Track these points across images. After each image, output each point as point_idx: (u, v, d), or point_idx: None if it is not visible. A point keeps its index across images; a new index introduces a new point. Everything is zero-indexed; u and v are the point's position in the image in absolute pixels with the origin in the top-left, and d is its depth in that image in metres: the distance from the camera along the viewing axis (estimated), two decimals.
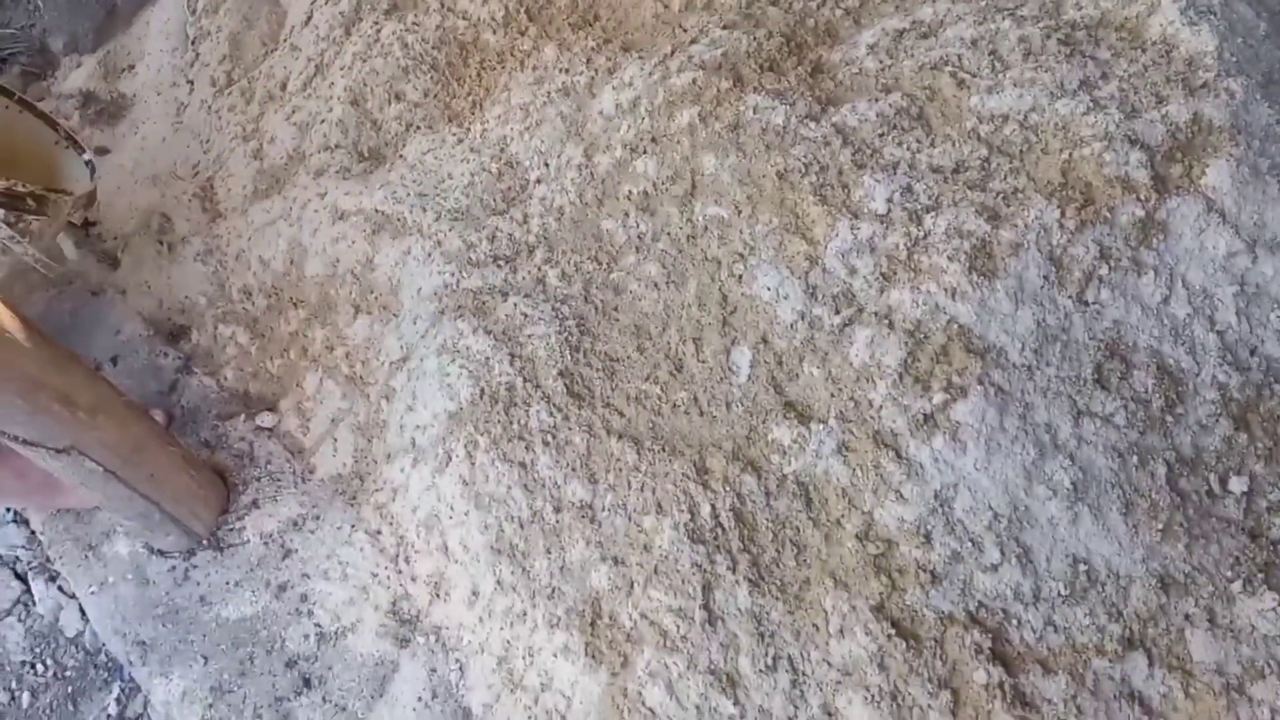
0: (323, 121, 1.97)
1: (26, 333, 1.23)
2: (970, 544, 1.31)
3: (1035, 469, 1.34)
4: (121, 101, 2.40)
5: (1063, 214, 1.42)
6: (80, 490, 1.44)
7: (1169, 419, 1.39)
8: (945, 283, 1.38)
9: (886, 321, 1.39)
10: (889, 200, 1.46)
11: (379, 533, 1.58)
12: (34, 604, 1.76)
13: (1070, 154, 1.48)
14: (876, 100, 1.58)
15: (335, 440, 1.68)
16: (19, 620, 1.76)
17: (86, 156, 1.87)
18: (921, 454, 1.33)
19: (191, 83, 2.21)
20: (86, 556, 1.63)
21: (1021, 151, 1.51)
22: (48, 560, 1.78)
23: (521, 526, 1.42)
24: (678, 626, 1.30)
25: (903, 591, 1.30)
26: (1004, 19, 1.65)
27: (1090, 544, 1.34)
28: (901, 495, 1.32)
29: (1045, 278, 1.40)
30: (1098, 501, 1.35)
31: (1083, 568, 1.34)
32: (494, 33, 1.97)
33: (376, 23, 2.05)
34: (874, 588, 1.30)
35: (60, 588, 1.75)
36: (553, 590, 1.39)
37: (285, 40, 2.16)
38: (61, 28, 2.51)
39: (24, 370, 1.22)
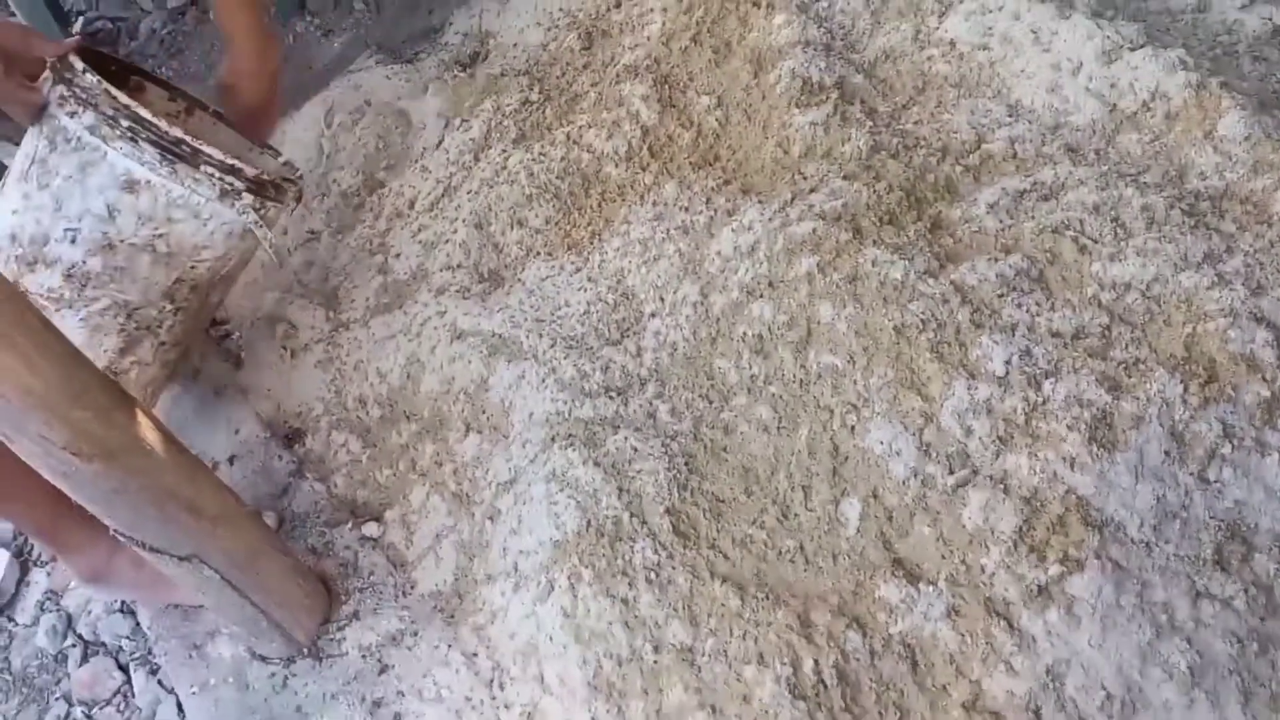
0: (447, 241, 2.05)
1: (165, 443, 1.29)
2: None
3: (1151, 650, 1.31)
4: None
5: (1186, 389, 1.41)
6: (193, 590, 1.48)
7: None
8: (1064, 452, 1.37)
9: (1002, 486, 1.38)
10: (1007, 362, 1.46)
11: (475, 655, 1.58)
12: (133, 696, 1.80)
13: (1194, 328, 1.48)
14: (996, 260, 1.60)
15: (438, 556, 1.71)
16: (118, 710, 1.79)
17: (283, 159, 2.01)
18: (1034, 626, 1.31)
19: (324, 194, 2.32)
20: (190, 655, 1.67)
21: (1144, 322, 1.51)
22: (150, 654, 1.82)
23: (620, 665, 1.42)
24: None
25: None
26: (1126, 186, 1.67)
27: None
28: (1012, 667, 1.29)
29: (1167, 453, 1.38)
30: (1215, 688, 1.31)
31: None
32: (616, 166, 2.04)
33: (505, 150, 2.13)
34: None
35: (160, 682, 1.78)
36: None
37: (416, 161, 2.26)
38: None
39: (159, 481, 1.27)
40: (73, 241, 1.61)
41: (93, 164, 1.59)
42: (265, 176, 1.69)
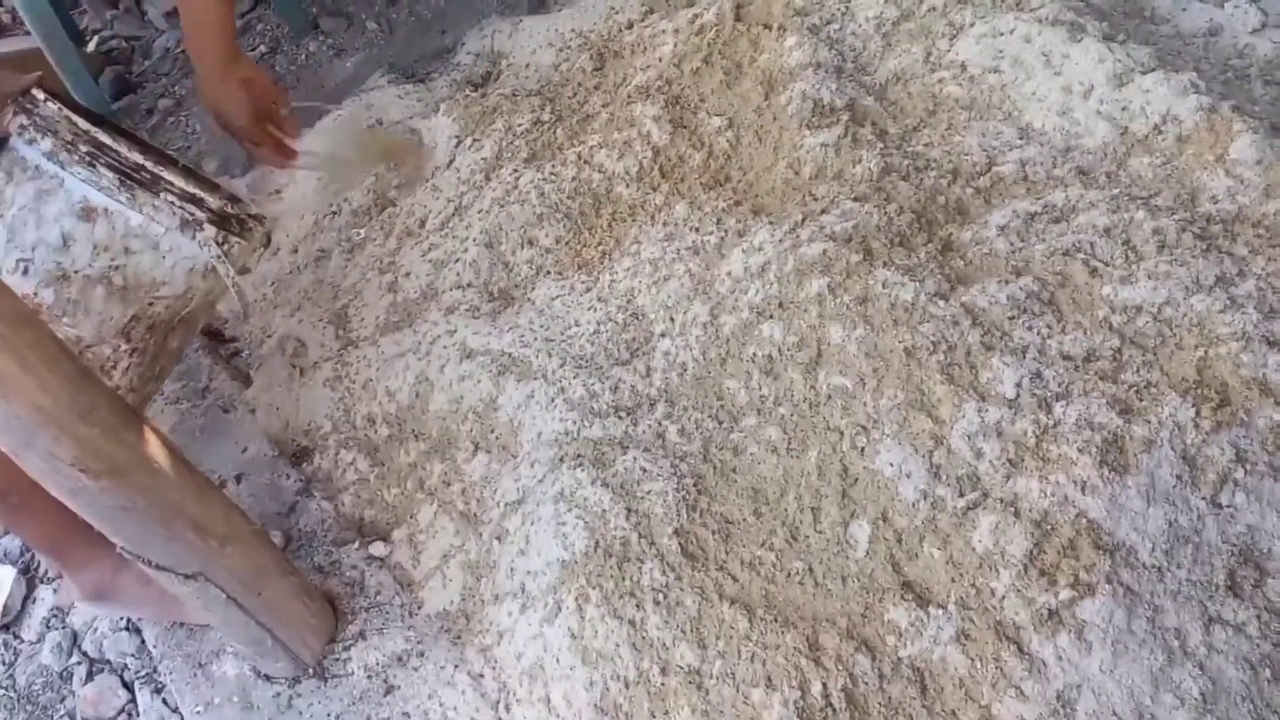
0: (457, 260, 2.05)
1: (172, 461, 1.29)
2: None
3: (1163, 675, 1.29)
4: (268, 224, 2.53)
5: (1198, 412, 1.41)
6: (198, 608, 1.47)
7: None
8: (1075, 475, 1.36)
9: (1012, 509, 1.37)
10: (1018, 385, 1.46)
11: (481, 676, 1.58)
12: (138, 714, 1.79)
13: (1206, 351, 1.47)
14: (1007, 282, 1.60)
15: (445, 576, 1.70)
16: None
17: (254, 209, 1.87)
18: (1045, 651, 1.29)
19: (335, 212, 2.32)
20: (195, 674, 1.66)
21: (1155, 345, 1.50)
22: (155, 672, 1.81)
23: (627, 686, 1.41)
24: None
25: None
26: (1138, 209, 1.67)
27: None
28: (1022, 692, 1.28)
29: (1178, 477, 1.37)
30: (1227, 714, 1.30)
31: None
32: (627, 186, 2.04)
33: (516, 170, 2.14)
34: None
35: (164, 700, 1.77)
36: None
37: (427, 180, 2.27)
38: (215, 151, 2.67)
39: (166, 499, 1.27)
40: (25, 273, 1.53)
41: (49, 192, 1.52)
42: (230, 210, 1.61)
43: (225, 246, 1.60)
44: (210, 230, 1.57)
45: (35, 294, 1.52)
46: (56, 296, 1.54)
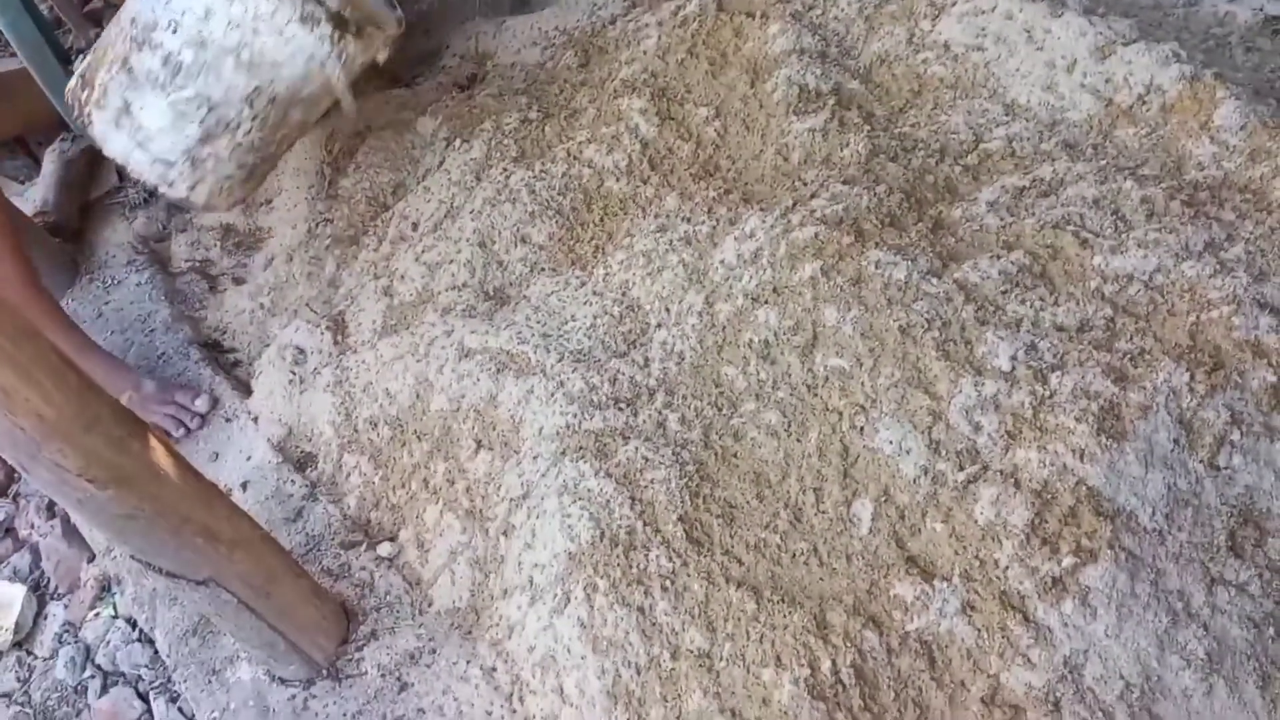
0: (451, 261, 2.06)
1: (178, 469, 1.30)
2: (1101, 714, 1.28)
3: (1168, 638, 1.31)
4: (259, 234, 2.54)
5: (1192, 377, 1.42)
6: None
7: None
8: (1073, 444, 1.37)
9: (1012, 481, 1.39)
10: (1013, 358, 1.47)
11: (494, 670, 1.59)
12: None
13: (1198, 316, 1.48)
14: (998, 257, 1.61)
15: (453, 573, 1.71)
16: None
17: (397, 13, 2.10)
18: (1050, 618, 1.31)
19: (329, 220, 2.33)
20: (210, 681, 1.67)
21: (1148, 313, 1.51)
22: (169, 681, 1.82)
23: (638, 672, 1.42)
24: None
25: None
26: (1125, 179, 1.68)
27: (1225, 717, 1.30)
28: (1029, 660, 1.29)
29: (1175, 441, 1.38)
30: (1233, 673, 1.31)
31: None
32: (617, 181, 2.05)
33: (506, 169, 2.15)
34: None
35: (180, 709, 1.78)
36: None
37: (419, 183, 2.28)
38: None
39: (174, 507, 1.28)
40: (173, 31, 1.80)
41: None
42: (348, 14, 1.82)
43: (339, 45, 1.83)
44: (326, 28, 1.80)
45: (179, 51, 1.81)
46: (195, 58, 1.81)
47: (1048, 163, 1.77)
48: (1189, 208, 1.62)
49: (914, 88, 2.05)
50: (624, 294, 1.88)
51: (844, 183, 1.80)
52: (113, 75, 1.88)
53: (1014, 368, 1.46)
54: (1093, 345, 1.48)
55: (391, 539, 1.82)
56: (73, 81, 1.99)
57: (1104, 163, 1.75)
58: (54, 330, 2.03)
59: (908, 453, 1.46)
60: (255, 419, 2.07)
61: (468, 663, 1.60)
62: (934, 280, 1.58)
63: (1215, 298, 1.49)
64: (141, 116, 1.88)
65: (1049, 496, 1.36)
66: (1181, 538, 1.35)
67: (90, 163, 2.69)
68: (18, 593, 2.07)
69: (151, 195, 2.66)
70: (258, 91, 1.87)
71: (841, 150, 1.90)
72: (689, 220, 1.91)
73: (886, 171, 1.81)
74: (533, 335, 1.85)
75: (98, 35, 3.11)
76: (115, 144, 1.94)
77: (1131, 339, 1.48)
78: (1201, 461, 1.38)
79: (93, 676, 1.93)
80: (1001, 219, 1.69)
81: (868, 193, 1.75)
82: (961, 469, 1.42)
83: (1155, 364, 1.44)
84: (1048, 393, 1.44)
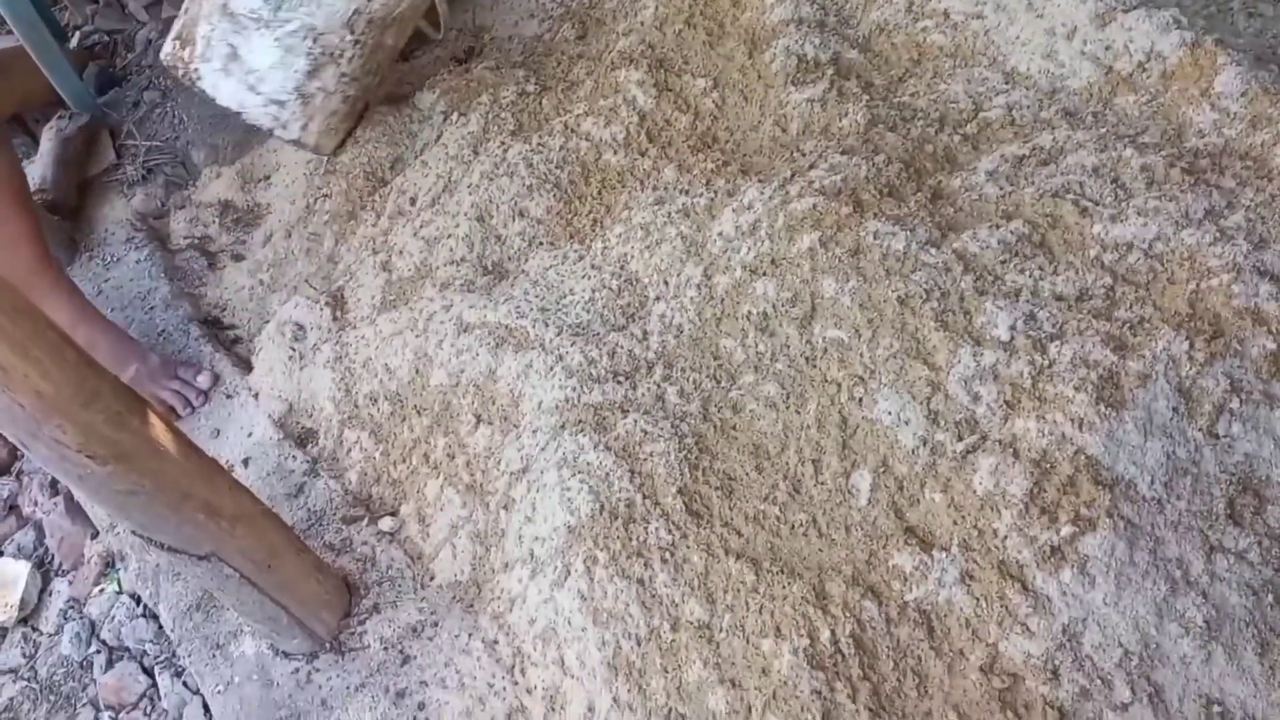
0: (449, 236, 2.06)
1: (179, 445, 1.30)
2: (1100, 681, 1.28)
3: (1166, 605, 1.31)
4: (257, 210, 2.54)
5: (1191, 345, 1.41)
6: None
7: None
8: (1072, 413, 1.37)
9: (1011, 450, 1.39)
10: (1012, 328, 1.47)
11: (495, 642, 1.60)
12: (159, 699, 1.82)
13: (1198, 284, 1.48)
14: (998, 227, 1.60)
15: (454, 547, 1.72)
16: (144, 715, 1.81)
17: None
18: (1049, 587, 1.31)
19: (328, 195, 2.33)
20: (214, 655, 1.68)
21: (1147, 281, 1.50)
22: (174, 656, 1.84)
23: (639, 644, 1.43)
24: None
25: None
26: (1125, 147, 1.67)
27: (1224, 684, 1.30)
28: (1028, 628, 1.30)
29: (1175, 410, 1.38)
30: (1232, 640, 1.31)
31: (1216, 709, 1.29)
32: (615, 153, 2.04)
33: (503, 143, 2.14)
34: None
35: (185, 683, 1.80)
36: (669, 711, 1.39)
37: (417, 157, 2.27)
38: (203, 141, 2.67)
39: (174, 483, 1.28)
40: None
41: None
42: None
43: None
44: None
45: None
46: None
47: (1047, 131, 1.76)
48: (1189, 175, 1.61)
49: (913, 56, 2.04)
50: (622, 267, 1.88)
51: (842, 153, 1.79)
52: (214, 25, 1.93)
53: (1013, 337, 1.46)
54: (1092, 314, 1.47)
55: (393, 514, 1.83)
56: (168, 46, 2.05)
57: (1104, 131, 1.74)
58: (62, 296, 2.03)
59: (906, 423, 1.46)
60: (256, 395, 2.07)
61: (469, 635, 1.61)
62: (933, 250, 1.58)
63: (1215, 265, 1.48)
64: (250, 59, 1.95)
65: (1048, 466, 1.36)
66: (1180, 506, 1.35)
67: (88, 140, 2.68)
68: (22, 569, 2.08)
69: (150, 172, 2.66)
70: (357, 14, 1.97)
71: (840, 120, 1.89)
72: (687, 192, 1.90)
73: (885, 141, 1.80)
74: (531, 309, 1.85)
75: (95, 11, 3.11)
76: (227, 91, 2.00)
77: (1131, 307, 1.48)
78: (1201, 430, 1.38)
79: (98, 652, 1.95)
80: (1001, 188, 1.68)
81: (866, 163, 1.74)
82: (960, 439, 1.43)
83: (1155, 332, 1.44)
84: (1047, 362, 1.43)
